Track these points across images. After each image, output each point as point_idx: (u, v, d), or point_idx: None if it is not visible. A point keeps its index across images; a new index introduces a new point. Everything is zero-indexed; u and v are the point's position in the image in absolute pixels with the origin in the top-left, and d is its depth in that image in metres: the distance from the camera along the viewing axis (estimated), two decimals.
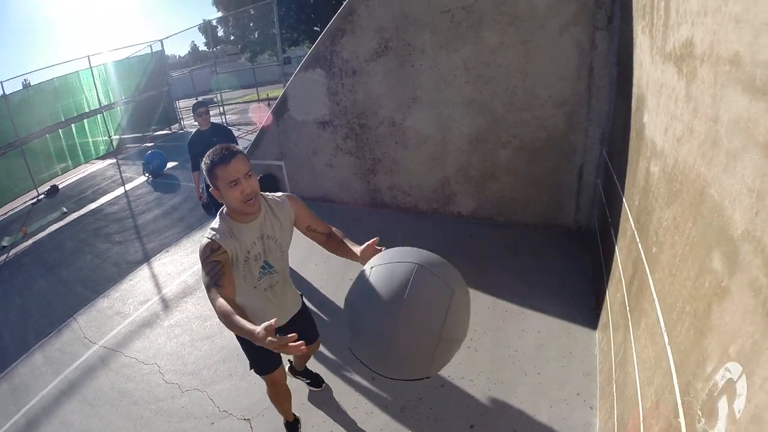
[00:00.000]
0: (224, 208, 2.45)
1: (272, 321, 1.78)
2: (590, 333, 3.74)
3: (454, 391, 3.48)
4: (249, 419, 3.64)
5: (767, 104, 1.14)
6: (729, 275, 1.27)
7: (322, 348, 4.18)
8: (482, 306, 4.35)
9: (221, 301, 2.11)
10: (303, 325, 3.01)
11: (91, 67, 15.39)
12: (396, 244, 5.34)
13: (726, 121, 1.41)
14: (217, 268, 2.23)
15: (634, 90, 3.17)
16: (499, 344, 3.84)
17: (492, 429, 3.12)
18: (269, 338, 1.75)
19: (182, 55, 56.11)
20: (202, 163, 2.33)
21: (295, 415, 3.38)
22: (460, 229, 5.88)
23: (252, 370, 2.96)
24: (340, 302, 4.69)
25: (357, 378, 3.77)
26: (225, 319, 2.02)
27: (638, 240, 2.54)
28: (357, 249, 2.42)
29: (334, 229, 2.66)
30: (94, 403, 4.34)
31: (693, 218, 1.63)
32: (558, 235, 5.32)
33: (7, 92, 13.77)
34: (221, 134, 5.72)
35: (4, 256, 9.54)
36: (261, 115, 16.70)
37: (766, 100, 1.15)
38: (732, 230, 1.29)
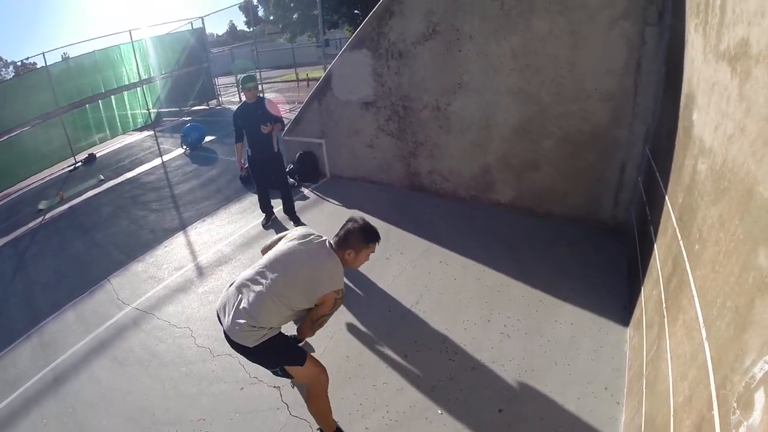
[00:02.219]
0: (336, 257, 2.98)
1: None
2: (621, 329, 3.79)
3: (485, 374, 3.57)
4: (279, 387, 3.76)
5: None
6: None
7: (356, 323, 4.32)
8: (517, 294, 4.44)
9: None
10: None
11: (132, 42, 15.75)
12: (433, 229, 5.46)
13: None
14: (338, 306, 3.08)
15: (684, 88, 3.17)
16: (532, 333, 3.92)
17: (520, 414, 3.20)
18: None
19: (220, 34, 56.59)
20: (354, 222, 3.03)
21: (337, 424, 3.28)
22: (498, 218, 5.95)
23: (293, 383, 3.38)
24: (376, 279, 4.85)
25: (390, 354, 3.89)
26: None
27: (680, 237, 2.57)
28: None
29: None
30: (123, 362, 4.53)
31: (740, 215, 1.67)
32: (595, 230, 5.36)
33: (48, 63, 14.29)
34: (267, 108, 5.89)
35: (40, 219, 9.95)
36: (300, 95, 16.86)
37: None
38: None
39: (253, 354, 2.85)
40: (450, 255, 5.24)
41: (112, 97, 16.27)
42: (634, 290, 3.89)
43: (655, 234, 3.38)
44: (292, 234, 3.14)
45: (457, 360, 3.74)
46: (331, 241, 3.03)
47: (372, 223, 3.09)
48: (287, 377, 2.97)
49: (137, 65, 16.16)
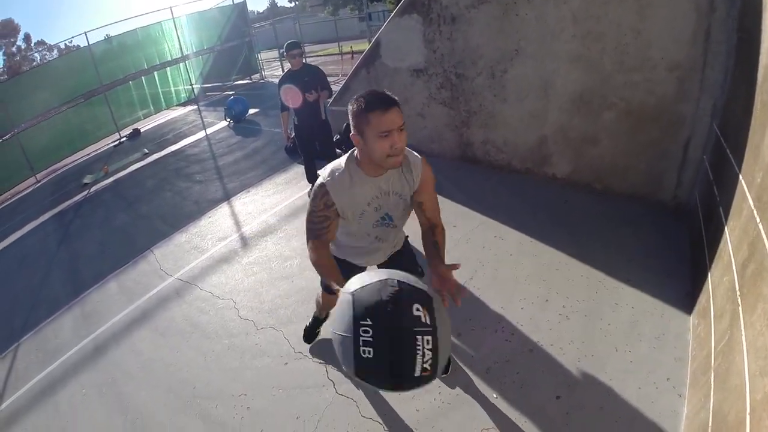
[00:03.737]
0: (355, 153, 2.37)
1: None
2: (684, 317, 3.59)
3: (542, 357, 3.44)
4: (324, 363, 3.71)
5: None
6: None
7: None
8: (576, 273, 4.27)
9: (321, 252, 2.34)
10: (402, 261, 2.99)
11: (173, 18, 16.02)
12: (487, 202, 5.26)
13: None
14: (323, 224, 2.34)
15: (762, 59, 2.94)
16: (592, 315, 3.77)
17: (579, 402, 3.08)
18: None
19: (261, 11, 57.05)
20: (350, 103, 2.18)
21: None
22: (553, 193, 5.75)
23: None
24: (476, 290, 4.70)
25: None
26: (318, 268, 2.30)
27: (758, 220, 2.39)
28: (441, 267, 2.28)
29: (441, 227, 2.59)
30: (165, 333, 4.59)
31: None
32: (655, 210, 5.10)
33: (90, 42, 14.78)
34: (313, 75, 5.79)
35: (85, 192, 10.35)
36: (344, 67, 16.77)
37: None
38: None
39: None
40: (505, 230, 5.10)
41: (155, 73, 16.64)
42: (698, 276, 3.69)
43: (726, 217, 3.17)
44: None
45: (514, 341, 3.62)
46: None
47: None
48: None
49: (179, 41, 16.43)
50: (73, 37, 32.59)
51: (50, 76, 14.39)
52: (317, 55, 25.57)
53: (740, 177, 2.98)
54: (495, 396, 3.20)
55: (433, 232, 2.54)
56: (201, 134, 12.38)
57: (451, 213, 5.51)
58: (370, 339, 1.53)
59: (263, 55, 22.46)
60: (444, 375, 3.39)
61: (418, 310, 1.60)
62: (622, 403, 3.01)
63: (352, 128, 2.21)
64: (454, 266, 2.18)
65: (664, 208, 5.13)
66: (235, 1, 18.54)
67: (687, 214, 4.84)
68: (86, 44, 14.63)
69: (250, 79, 19.70)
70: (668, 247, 4.45)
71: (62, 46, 33.34)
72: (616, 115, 5.16)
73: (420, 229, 2.63)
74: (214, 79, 19.48)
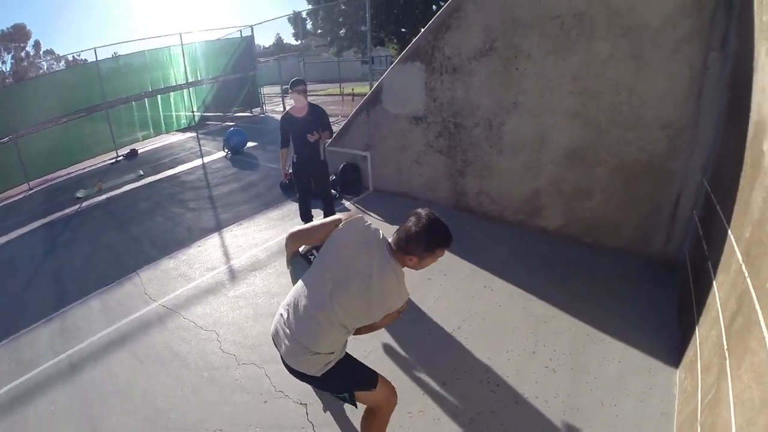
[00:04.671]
0: (393, 246, 2.48)
1: None
2: (671, 371, 3.60)
3: (528, 410, 3.40)
4: (306, 404, 3.63)
5: None
6: None
7: (394, 344, 4.20)
8: (564, 327, 4.27)
9: None
10: None
11: (182, 44, 16.23)
12: (478, 252, 5.28)
13: None
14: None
15: (753, 116, 3.03)
16: (578, 369, 3.75)
17: None
18: None
19: (267, 46, 57.83)
20: (415, 225, 2.40)
21: None
22: (544, 245, 5.80)
23: (369, 396, 2.71)
24: (418, 301, 4.75)
25: (428, 380, 3.75)
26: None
27: (747, 274, 2.42)
28: None
29: None
30: (144, 359, 4.48)
31: None
32: (644, 265, 5.16)
33: (99, 59, 15.05)
34: (316, 114, 5.80)
35: (77, 206, 10.32)
36: (344, 108, 16.93)
37: None
38: None
39: (320, 381, 2.56)
40: (495, 280, 5.11)
41: (159, 96, 16.73)
42: (686, 330, 3.72)
43: (715, 271, 3.21)
44: (345, 232, 2.56)
45: (500, 392, 3.59)
46: (390, 242, 2.51)
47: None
48: (353, 404, 2.72)
49: (185, 68, 16.60)
50: (82, 51, 32.86)
51: (55, 86, 14.55)
52: (318, 95, 25.88)
53: (729, 232, 3.03)
54: None
55: None
56: (198, 162, 12.40)
57: (442, 262, 5.32)
58: None
59: (266, 90, 22.68)
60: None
61: None
62: None
63: (409, 252, 2.40)
64: None
65: (653, 262, 5.19)
66: (244, 35, 18.81)
67: (676, 268, 4.91)
68: (94, 59, 14.87)
69: (251, 113, 19.84)
70: (656, 302, 4.48)
71: (70, 58, 33.62)
72: (608, 171, 5.27)
73: None
74: (216, 109, 19.66)
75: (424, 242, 2.37)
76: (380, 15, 27.96)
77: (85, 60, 17.40)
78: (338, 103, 19.97)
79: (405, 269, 2.50)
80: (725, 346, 2.48)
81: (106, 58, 15.70)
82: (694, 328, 3.37)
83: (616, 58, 4.84)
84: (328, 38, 32.11)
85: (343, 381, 2.60)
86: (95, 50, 14.77)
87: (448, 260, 5.44)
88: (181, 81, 17.09)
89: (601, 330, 4.15)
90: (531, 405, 3.42)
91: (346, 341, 2.62)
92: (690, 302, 3.75)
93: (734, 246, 2.83)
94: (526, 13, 5.35)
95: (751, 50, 3.24)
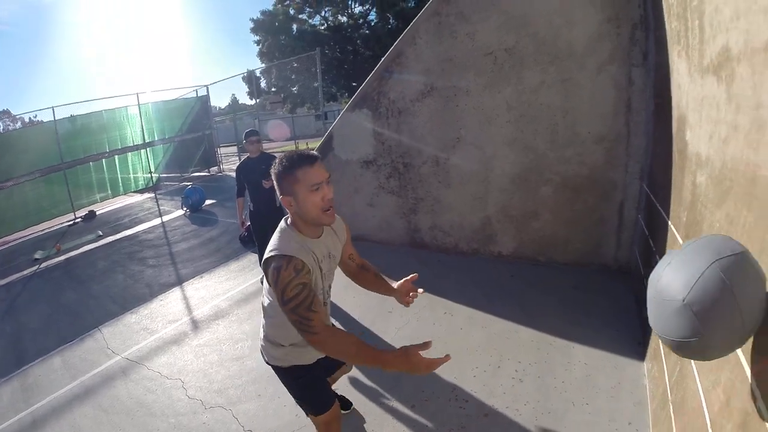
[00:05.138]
0: (288, 220, 2.22)
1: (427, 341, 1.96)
2: (638, 364, 3.68)
3: (499, 420, 3.38)
4: None
5: None
6: None
7: (359, 375, 4.14)
8: (526, 339, 4.31)
9: (334, 331, 2.00)
10: None
11: (139, 104, 16.11)
12: (436, 283, 5.36)
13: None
14: (306, 291, 1.96)
15: (674, 113, 3.23)
16: (545, 375, 3.77)
17: None
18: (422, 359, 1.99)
19: (222, 107, 58.05)
20: (274, 168, 2.09)
21: None
22: (501, 269, 5.87)
23: (310, 416, 2.63)
24: (379, 332, 4.72)
25: (396, 405, 3.69)
26: (355, 350, 1.91)
27: None
28: (394, 284, 2.48)
29: (368, 263, 2.64)
30: (108, 410, 4.29)
31: (747, 205, 1.67)
32: (599, 274, 5.30)
33: (56, 118, 14.79)
34: (270, 163, 5.84)
35: (35, 267, 9.98)
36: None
37: None
38: None
39: (276, 373, 2.51)
40: (454, 306, 5.12)
41: (116, 157, 16.53)
42: (647, 324, 3.76)
43: None
44: None
45: (468, 408, 3.55)
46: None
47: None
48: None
49: (142, 128, 16.49)
50: (38, 111, 32.21)
51: (11, 146, 14.11)
52: (275, 151, 25.94)
53: (669, 222, 3.17)
54: None
55: (365, 268, 2.63)
56: (157, 221, 12.22)
57: None
58: None
59: (222, 150, 22.72)
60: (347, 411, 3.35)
61: None
62: None
63: (280, 193, 2.10)
64: (412, 277, 2.40)
65: (607, 270, 5.35)
66: (199, 94, 18.87)
67: (629, 273, 5.08)
68: (52, 119, 14.57)
69: (209, 172, 19.77)
70: (615, 305, 4.60)
71: (26, 119, 33.11)
72: (552, 190, 5.46)
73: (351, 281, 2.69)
74: (173, 169, 19.52)
75: (283, 169, 2.06)
76: (331, 71, 28.61)
77: (41, 121, 17.15)
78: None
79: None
80: None
81: (63, 118, 15.35)
82: None
83: (547, 84, 5.11)
84: (281, 95, 32.54)
85: (290, 389, 2.55)
86: (53, 110, 14.51)
87: None
88: (138, 141, 16.89)
89: (563, 338, 4.20)
90: (502, 415, 3.40)
91: (297, 349, 2.42)
92: (643, 297, 3.85)
93: (675, 233, 2.96)
94: (461, 53, 5.60)
95: (666, 57, 3.48)
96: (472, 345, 4.35)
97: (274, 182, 2.11)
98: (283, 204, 2.11)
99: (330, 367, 2.80)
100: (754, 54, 1.62)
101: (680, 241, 2.77)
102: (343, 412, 3.38)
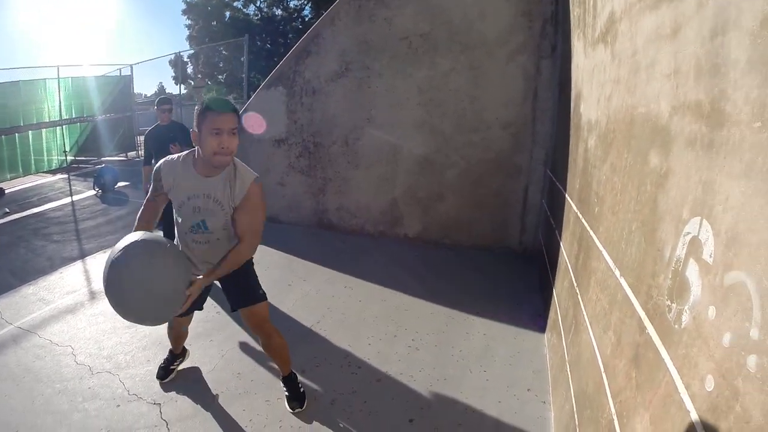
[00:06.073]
0: (196, 151, 2.44)
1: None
2: (538, 336, 3.69)
3: (391, 386, 3.26)
4: (159, 404, 3.29)
5: (671, 13, 1.33)
6: (666, 155, 1.31)
7: (250, 342, 3.90)
8: (426, 312, 4.22)
9: (145, 209, 2.61)
10: (235, 285, 2.79)
11: (59, 78, 14.83)
12: (339, 260, 5.23)
13: (641, 44, 1.56)
14: (155, 192, 2.56)
15: (572, 92, 3.26)
16: (443, 345, 3.69)
17: (434, 423, 2.90)
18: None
19: (149, 95, 55.77)
20: (197, 107, 2.30)
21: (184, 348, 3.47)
22: (406, 250, 5.78)
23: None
24: (276, 303, 4.50)
25: None
26: (138, 220, 2.59)
27: (581, 216, 2.55)
28: (210, 275, 2.50)
29: (242, 246, 2.54)
30: None
31: (627, 146, 1.66)
32: (504, 255, 5.34)
33: None
34: (179, 131, 5.56)
35: None
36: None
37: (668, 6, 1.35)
38: (662, 120, 1.35)
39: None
40: (355, 281, 4.98)
41: (30, 133, 15.04)
42: (546, 298, 3.85)
43: (560, 233, 3.37)
44: None
45: (361, 373, 3.41)
46: None
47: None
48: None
49: (60, 103, 15.17)
50: None
51: None
52: None
53: (566, 195, 3.19)
54: (341, 425, 2.93)
55: (234, 247, 2.54)
56: (66, 200, 11.39)
57: (302, 269, 5.33)
58: None
59: (142, 138, 21.62)
60: (300, 409, 3.17)
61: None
62: (483, 418, 2.89)
63: (194, 126, 2.32)
64: (198, 287, 2.40)
65: (512, 253, 5.40)
66: (123, 73, 17.74)
67: (533, 255, 5.13)
68: None
69: (126, 156, 18.54)
70: (517, 283, 4.64)
71: None
72: (458, 173, 5.43)
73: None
74: (90, 151, 18.19)
75: (199, 109, 2.29)
76: (260, 61, 27.86)
77: None
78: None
79: None
80: (575, 284, 2.55)
81: None
82: (552, 292, 3.47)
83: (457, 70, 5.07)
84: (207, 81, 31.56)
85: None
86: None
87: (308, 268, 5.36)
88: (55, 117, 15.23)
89: (463, 311, 4.15)
90: (395, 380, 3.28)
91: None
92: (547, 274, 3.89)
93: (571, 203, 2.97)
94: (378, 37, 5.47)
95: (570, 45, 3.51)
96: (369, 316, 4.22)
97: (194, 116, 2.31)
98: (191, 135, 2.35)
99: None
100: (631, 7, 1.64)
101: (575, 207, 2.76)
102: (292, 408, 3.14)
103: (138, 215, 2.59)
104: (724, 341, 0.90)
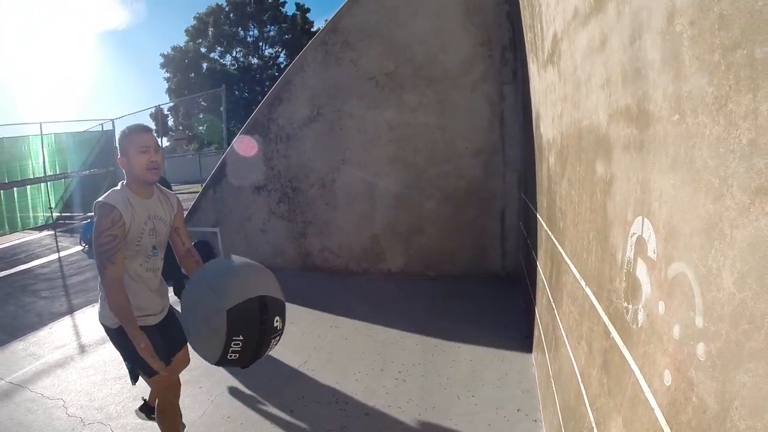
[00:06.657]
0: (124, 181, 2.38)
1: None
2: (526, 356, 3.65)
3: (380, 418, 3.18)
4: None
5: (598, 26, 1.37)
6: (609, 162, 1.32)
7: (239, 385, 3.84)
8: (411, 344, 4.18)
9: (120, 286, 2.23)
10: (174, 325, 2.73)
11: (42, 135, 14.79)
12: (324, 301, 5.21)
13: (579, 60, 1.60)
14: (114, 243, 2.18)
15: (533, 115, 3.31)
16: (429, 374, 3.63)
17: None
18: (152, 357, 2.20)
19: None
20: (119, 136, 2.34)
21: None
22: (390, 286, 5.74)
23: (133, 381, 2.77)
24: (310, 372, 4.33)
25: (275, 411, 3.41)
26: (120, 309, 2.20)
27: (550, 232, 2.56)
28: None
29: (195, 253, 2.66)
30: None
31: (578, 159, 1.68)
32: (488, 281, 5.31)
33: None
34: (161, 183, 5.51)
35: None
36: None
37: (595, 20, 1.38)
38: (602, 129, 1.39)
39: (108, 335, 2.57)
40: (341, 320, 4.92)
41: (15, 190, 14.90)
42: (531, 318, 3.80)
43: (537, 252, 3.36)
44: None
45: (349, 409, 3.33)
46: None
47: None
48: (133, 380, 2.73)
49: (44, 160, 15.08)
50: None
51: None
52: (183, 193, 25.06)
53: (537, 215, 3.21)
54: None
55: (192, 255, 2.63)
56: (54, 256, 11.31)
57: (287, 312, 5.26)
58: (239, 349, 1.87)
59: None
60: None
61: (277, 321, 2.06)
62: None
63: (119, 155, 2.32)
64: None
65: (496, 278, 5.37)
66: (105, 128, 17.72)
67: (517, 278, 5.09)
68: None
69: None
70: (504, 307, 4.59)
71: None
72: (435, 203, 5.45)
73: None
74: (75, 207, 18.05)
75: (122, 136, 2.33)
76: (239, 111, 28.04)
77: None
78: None
79: None
80: (551, 300, 2.54)
81: None
82: (535, 311, 3.45)
83: (424, 104, 5.16)
84: (188, 132, 31.60)
85: (123, 350, 2.55)
86: None
87: (293, 311, 5.26)
88: (40, 174, 15.01)
89: (449, 340, 4.11)
90: (384, 413, 3.21)
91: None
92: (529, 295, 3.87)
93: (541, 222, 2.98)
94: (346, 79, 5.56)
95: (527, 69, 3.59)
96: (355, 353, 4.16)
97: (118, 149, 2.32)
98: (119, 163, 2.33)
99: (171, 344, 2.74)
100: (569, 26, 1.68)
101: (545, 226, 2.77)
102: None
103: (120, 301, 2.23)
104: (675, 334, 0.90)
